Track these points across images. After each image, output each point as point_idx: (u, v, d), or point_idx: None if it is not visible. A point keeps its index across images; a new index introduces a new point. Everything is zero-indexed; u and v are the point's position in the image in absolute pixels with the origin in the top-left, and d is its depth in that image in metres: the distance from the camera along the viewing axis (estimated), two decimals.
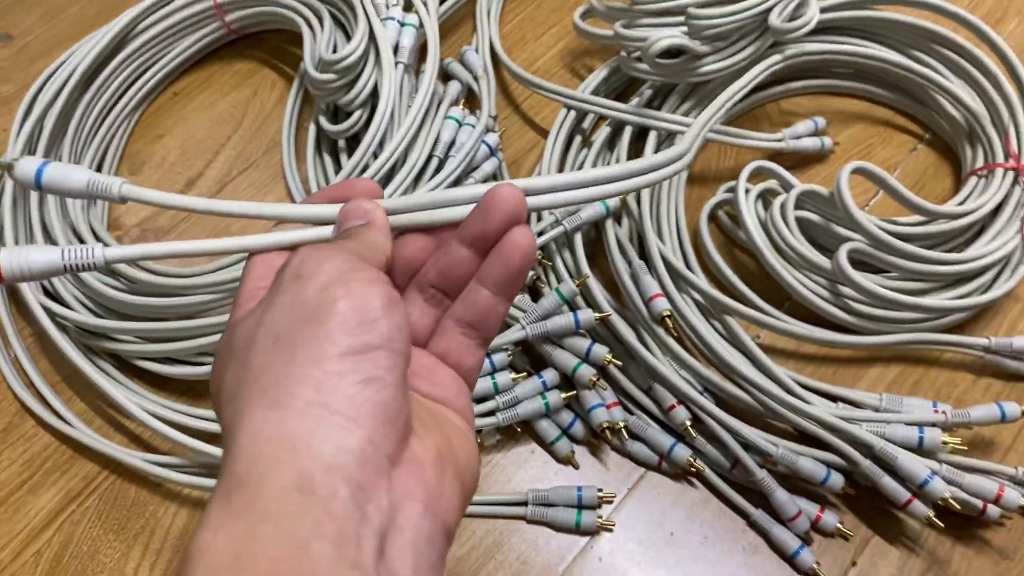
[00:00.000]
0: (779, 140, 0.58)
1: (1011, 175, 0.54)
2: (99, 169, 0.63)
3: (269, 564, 0.21)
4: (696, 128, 0.44)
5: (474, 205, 0.29)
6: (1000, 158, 0.55)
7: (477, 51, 0.64)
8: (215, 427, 0.51)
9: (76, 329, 0.54)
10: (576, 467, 0.51)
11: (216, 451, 0.49)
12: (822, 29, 0.60)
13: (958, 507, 0.45)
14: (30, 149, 0.59)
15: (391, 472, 0.24)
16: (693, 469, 0.49)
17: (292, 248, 0.30)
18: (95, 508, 0.51)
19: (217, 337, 0.52)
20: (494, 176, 0.58)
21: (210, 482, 0.49)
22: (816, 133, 0.59)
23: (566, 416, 0.51)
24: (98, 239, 0.57)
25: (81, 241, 0.57)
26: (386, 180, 0.54)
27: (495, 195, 0.28)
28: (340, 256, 0.27)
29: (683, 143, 0.38)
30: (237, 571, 0.21)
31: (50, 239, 0.56)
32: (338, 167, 0.59)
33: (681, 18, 0.54)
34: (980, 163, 0.56)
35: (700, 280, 0.52)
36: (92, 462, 0.52)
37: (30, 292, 0.53)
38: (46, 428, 0.53)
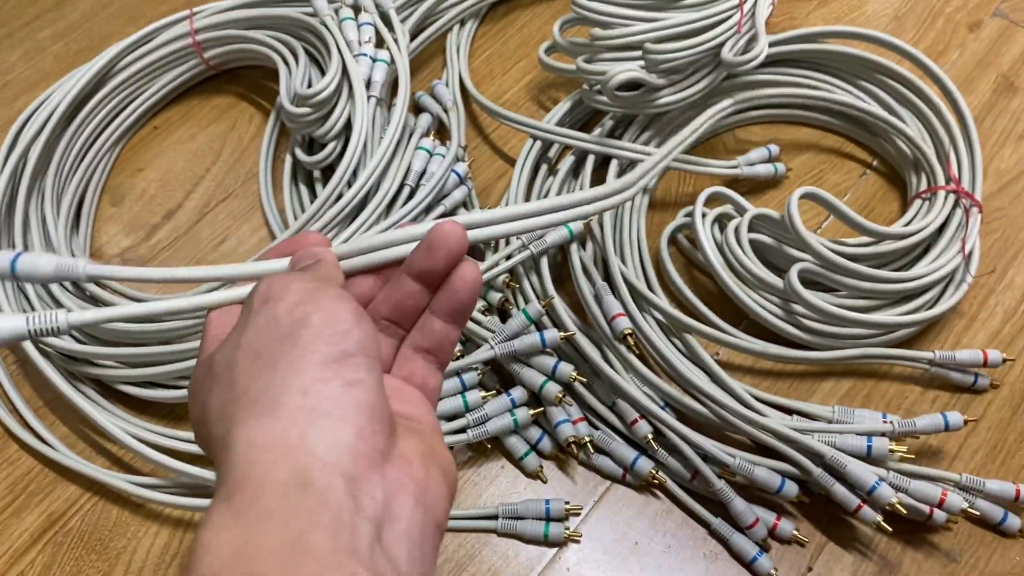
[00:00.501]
0: (734, 167, 0.61)
1: (952, 197, 0.57)
2: (81, 202, 0.64)
3: (270, 555, 0.22)
4: (636, 175, 0.46)
5: (416, 243, 0.31)
6: (942, 182, 0.58)
7: (447, 84, 0.67)
8: (195, 448, 0.52)
9: (59, 355, 0.56)
10: (544, 481, 0.53)
11: (196, 471, 0.51)
12: (773, 62, 0.63)
13: (904, 511, 0.47)
14: (14, 183, 0.61)
15: (383, 466, 0.25)
16: (656, 481, 0.51)
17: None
18: (77, 529, 0.52)
19: (192, 362, 0.53)
20: (464, 204, 0.60)
21: (191, 501, 0.51)
22: (770, 160, 0.62)
23: (534, 432, 0.53)
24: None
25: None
26: (359, 208, 0.56)
27: (438, 232, 0.30)
28: (303, 278, 0.29)
29: (623, 181, 0.40)
30: (241, 564, 0.22)
31: None
32: (313, 196, 0.61)
33: (639, 53, 0.57)
34: (924, 187, 0.59)
35: (661, 300, 0.55)
36: (75, 484, 0.54)
37: None
38: (29, 452, 0.55)
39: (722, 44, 0.57)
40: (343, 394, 0.25)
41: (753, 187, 0.63)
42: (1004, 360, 0.54)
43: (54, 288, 0.57)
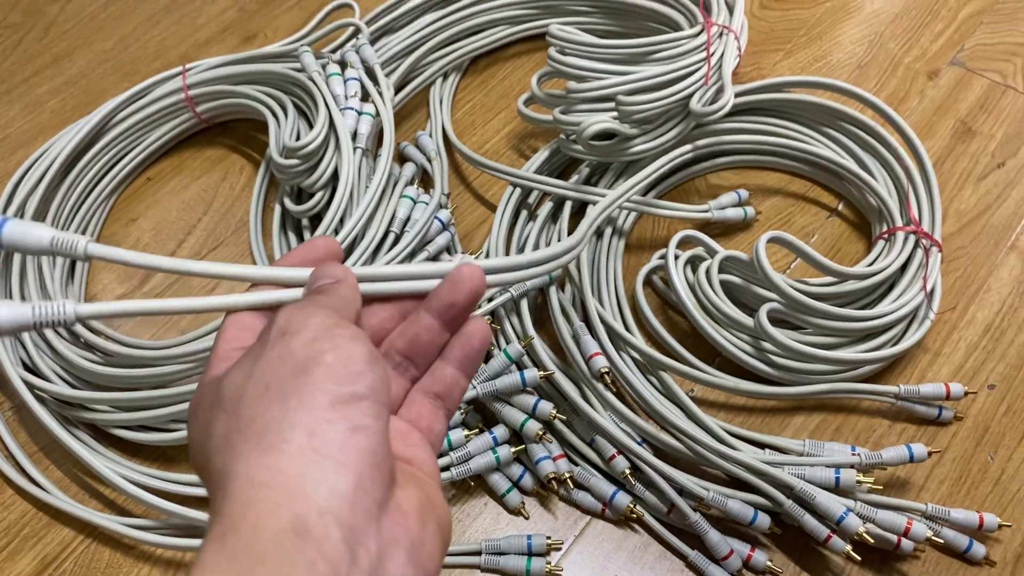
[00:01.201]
0: (706, 211, 0.64)
1: (912, 238, 0.60)
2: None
3: None
4: (588, 220, 0.49)
5: (438, 280, 0.32)
6: (902, 223, 0.61)
7: (431, 135, 0.70)
8: (187, 490, 0.54)
9: (54, 401, 0.57)
10: (526, 517, 0.54)
11: (188, 512, 0.52)
12: (742, 110, 0.66)
13: (872, 541, 0.49)
14: None
15: (379, 517, 0.25)
16: (634, 515, 0.53)
17: (265, 308, 0.31)
18: (71, 572, 0.53)
19: (185, 406, 0.55)
20: (447, 249, 0.63)
21: (183, 542, 0.52)
22: (740, 204, 0.65)
23: (516, 469, 0.54)
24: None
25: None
26: (346, 254, 0.58)
27: (461, 272, 0.31)
28: (323, 313, 0.28)
29: (576, 236, 0.43)
30: None
31: None
32: (300, 241, 0.63)
33: (612, 104, 0.60)
34: (886, 228, 0.62)
35: (637, 340, 0.57)
36: (68, 527, 0.55)
37: (11, 367, 0.57)
38: (24, 496, 0.56)
39: (691, 95, 0.60)
40: (347, 439, 0.25)
41: (724, 230, 0.65)
42: (966, 393, 0.56)
43: (48, 331, 0.59)
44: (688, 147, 0.62)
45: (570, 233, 0.62)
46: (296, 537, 0.23)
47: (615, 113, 0.60)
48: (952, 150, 0.69)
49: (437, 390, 0.33)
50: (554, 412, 0.54)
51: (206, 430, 0.27)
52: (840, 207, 0.67)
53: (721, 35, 0.63)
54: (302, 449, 0.24)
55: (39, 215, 0.64)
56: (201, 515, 0.52)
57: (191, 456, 0.29)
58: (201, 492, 0.54)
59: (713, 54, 0.62)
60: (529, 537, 0.52)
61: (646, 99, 0.59)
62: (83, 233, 0.68)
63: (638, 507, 0.53)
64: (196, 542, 0.52)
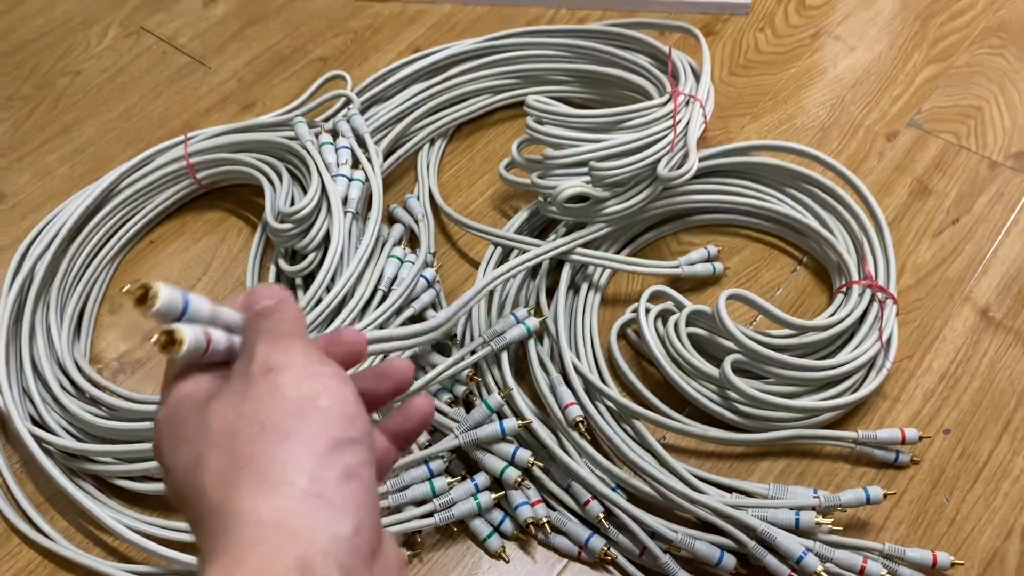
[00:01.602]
0: (676, 267, 0.68)
1: (868, 292, 0.63)
2: (82, 311, 0.70)
3: None
4: (454, 308, 0.53)
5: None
6: (858, 278, 0.65)
7: (418, 198, 0.74)
8: (186, 537, 0.57)
9: (60, 453, 0.61)
10: (507, 561, 0.57)
11: (186, 558, 0.55)
12: (710, 172, 0.71)
13: None
14: (21, 296, 0.67)
15: (371, 564, 0.27)
16: (608, 557, 0.56)
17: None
18: None
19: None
20: (432, 305, 0.66)
21: None
22: (709, 260, 0.69)
23: (497, 514, 0.58)
24: (81, 372, 0.64)
25: (65, 373, 0.64)
26: (336, 312, 0.62)
27: (389, 365, 0.33)
28: (300, 347, 0.29)
29: (440, 317, 0.47)
30: None
31: (38, 372, 0.64)
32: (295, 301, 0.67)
33: (585, 169, 0.64)
34: (844, 282, 0.65)
35: (612, 390, 0.61)
36: (72, 575, 0.58)
37: (20, 421, 0.60)
38: (30, 545, 0.59)
39: (658, 160, 0.64)
40: (345, 485, 0.26)
41: (695, 285, 0.69)
42: (921, 438, 0.59)
43: (55, 387, 0.62)
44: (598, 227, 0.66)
45: (550, 292, 0.66)
46: (300, 575, 0.24)
47: (588, 178, 0.64)
48: (909, 207, 0.73)
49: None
50: (532, 460, 0.57)
51: (197, 461, 0.28)
52: (803, 262, 0.71)
53: (688, 103, 0.68)
54: (305, 493, 0.26)
55: (47, 278, 0.68)
56: (191, 559, 0.55)
57: (172, 480, 0.29)
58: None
59: (680, 122, 0.66)
60: None
61: (617, 165, 0.63)
62: (88, 293, 0.71)
63: (612, 550, 0.56)
64: None
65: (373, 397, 0.33)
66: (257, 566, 0.24)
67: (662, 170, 0.64)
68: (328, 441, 0.27)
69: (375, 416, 0.37)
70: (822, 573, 0.52)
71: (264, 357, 0.29)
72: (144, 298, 0.28)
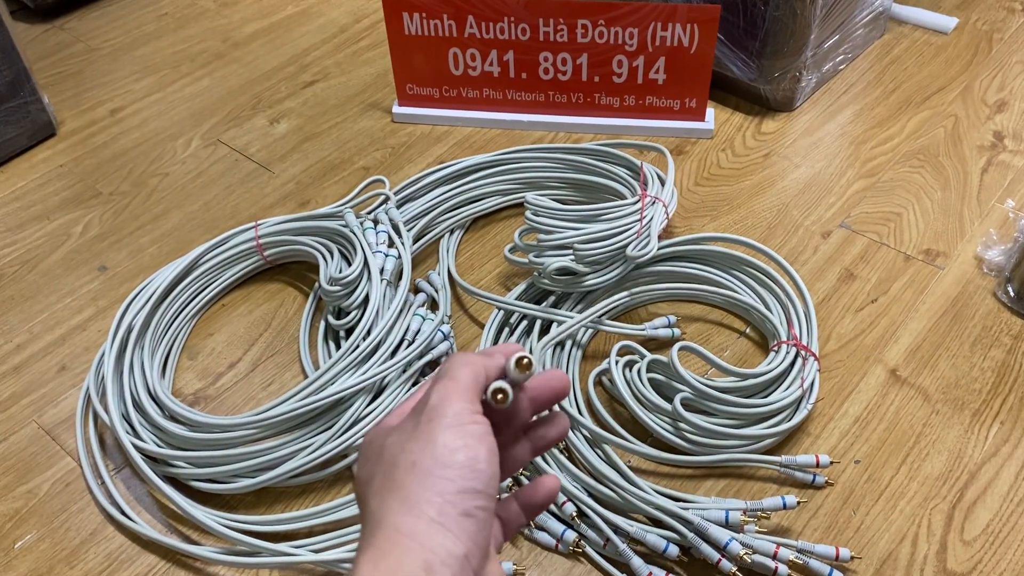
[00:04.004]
0: (643, 330, 0.84)
1: (793, 349, 0.80)
2: (167, 356, 0.88)
3: None
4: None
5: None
6: (786, 339, 0.81)
7: (439, 274, 0.92)
8: (245, 526, 0.72)
9: (145, 458, 0.76)
10: (498, 552, 0.71)
11: (251, 541, 0.70)
12: (673, 257, 0.89)
13: (749, 562, 0.66)
14: (123, 341, 0.85)
15: None
16: (579, 549, 0.70)
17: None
18: None
19: (245, 464, 0.74)
20: (446, 353, 0.83)
21: (231, 559, 0.70)
22: (669, 326, 0.86)
23: None
24: (167, 398, 0.81)
25: (154, 399, 0.81)
26: (371, 355, 0.79)
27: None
28: (460, 401, 0.37)
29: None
30: None
31: (134, 399, 0.80)
32: (338, 347, 0.84)
33: (571, 251, 0.82)
34: (776, 342, 0.82)
35: (588, 422, 0.76)
36: (154, 554, 0.73)
37: (123, 434, 0.76)
38: (121, 530, 0.74)
39: (627, 245, 0.82)
40: (464, 520, 0.34)
41: (658, 345, 0.86)
42: (832, 462, 0.74)
43: (147, 404, 0.78)
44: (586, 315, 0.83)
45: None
46: (425, 573, 0.33)
47: (573, 256, 0.82)
48: (837, 289, 0.90)
49: (502, 516, 0.44)
50: (521, 470, 0.73)
51: (370, 475, 0.37)
52: (747, 330, 0.87)
53: (653, 203, 0.86)
54: (431, 520, 0.34)
55: (143, 329, 0.86)
56: (254, 541, 0.70)
57: (355, 486, 0.43)
58: (247, 527, 0.72)
59: (645, 216, 0.84)
60: (502, 564, 0.69)
61: (595, 247, 0.81)
62: (172, 343, 0.89)
63: (582, 541, 0.70)
64: (251, 560, 0.70)
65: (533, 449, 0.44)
66: (395, 561, 0.33)
67: (630, 251, 0.82)
68: (456, 487, 0.35)
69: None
70: (744, 556, 0.66)
71: (433, 405, 0.37)
72: (528, 364, 0.40)
